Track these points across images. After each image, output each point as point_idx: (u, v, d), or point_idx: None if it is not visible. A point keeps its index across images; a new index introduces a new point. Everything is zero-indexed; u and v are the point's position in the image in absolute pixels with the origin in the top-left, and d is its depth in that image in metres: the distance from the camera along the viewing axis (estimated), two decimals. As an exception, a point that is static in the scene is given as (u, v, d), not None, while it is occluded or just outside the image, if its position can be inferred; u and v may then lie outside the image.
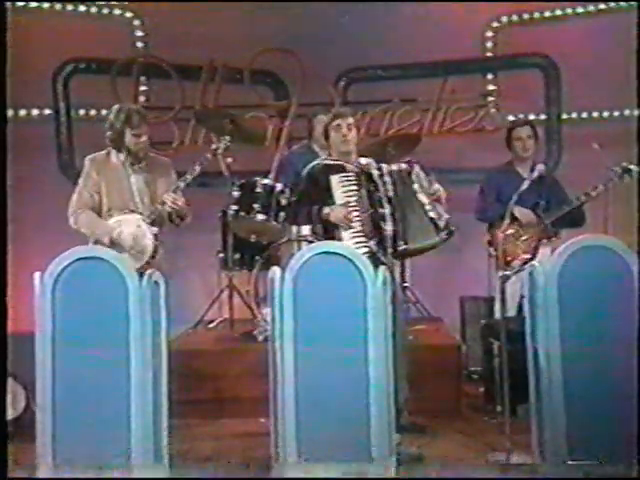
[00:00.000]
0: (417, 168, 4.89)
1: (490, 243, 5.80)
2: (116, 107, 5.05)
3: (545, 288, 4.20)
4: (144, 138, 4.98)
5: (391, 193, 4.79)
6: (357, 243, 4.72)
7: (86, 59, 7.48)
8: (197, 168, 5.01)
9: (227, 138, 5.34)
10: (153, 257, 4.89)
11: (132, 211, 4.95)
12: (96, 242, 4.90)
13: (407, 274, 6.31)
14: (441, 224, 4.82)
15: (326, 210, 4.83)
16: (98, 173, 5.01)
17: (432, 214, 4.83)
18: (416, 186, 4.85)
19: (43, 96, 7.43)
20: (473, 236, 5.96)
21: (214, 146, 5.29)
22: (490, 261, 5.83)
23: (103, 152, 5.08)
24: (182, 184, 4.96)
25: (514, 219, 5.59)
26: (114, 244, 4.86)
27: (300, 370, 4.15)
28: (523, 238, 5.65)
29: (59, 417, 4.14)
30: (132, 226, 4.91)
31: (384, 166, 4.88)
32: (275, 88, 7.59)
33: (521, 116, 7.25)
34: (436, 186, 4.91)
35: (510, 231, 5.60)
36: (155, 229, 4.93)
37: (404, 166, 4.90)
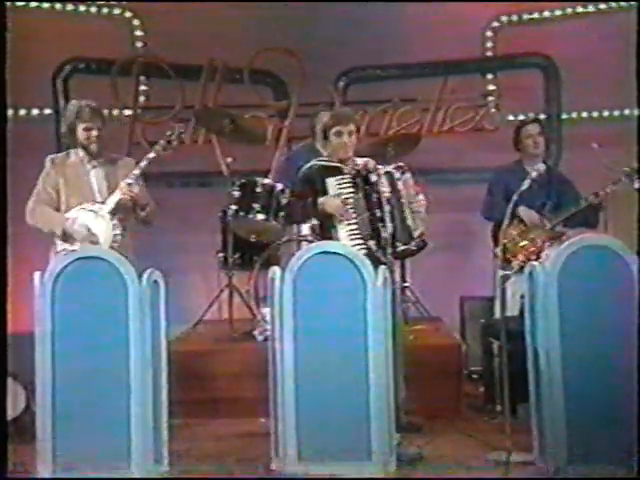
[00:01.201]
0: (408, 175, 4.90)
1: (495, 243, 5.80)
2: (71, 103, 5.10)
3: (545, 288, 4.20)
4: (95, 132, 4.96)
5: (387, 194, 4.79)
6: (355, 244, 4.71)
7: (86, 59, 7.48)
8: (150, 155, 5.00)
9: (181, 125, 5.32)
10: (111, 247, 4.80)
11: (92, 202, 4.93)
12: (62, 235, 4.89)
13: (407, 274, 6.31)
14: (415, 234, 4.83)
15: (321, 200, 4.82)
16: (57, 171, 5.01)
17: (409, 222, 4.84)
18: (403, 192, 4.86)
19: (43, 96, 7.43)
20: (472, 236, 5.97)
21: (168, 132, 5.18)
22: (495, 261, 5.83)
23: (63, 153, 5.10)
24: (137, 171, 4.93)
25: (519, 220, 5.59)
26: (67, 235, 4.85)
27: (300, 370, 4.16)
28: (528, 238, 5.64)
29: (59, 417, 4.15)
30: (88, 216, 4.88)
31: (380, 167, 4.89)
32: (275, 88, 7.59)
33: (521, 116, 7.24)
34: (420, 197, 4.91)
35: (515, 231, 5.60)
36: (114, 220, 4.88)
37: (394, 170, 4.91)
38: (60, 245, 4.89)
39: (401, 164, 4.96)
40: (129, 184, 4.89)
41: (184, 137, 7.26)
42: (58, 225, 4.88)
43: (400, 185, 4.85)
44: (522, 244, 5.59)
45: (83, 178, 4.99)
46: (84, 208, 4.90)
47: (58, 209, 4.97)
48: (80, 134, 4.96)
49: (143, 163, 4.97)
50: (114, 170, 5.02)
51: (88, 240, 4.82)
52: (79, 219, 4.88)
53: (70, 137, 5.02)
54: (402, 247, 4.79)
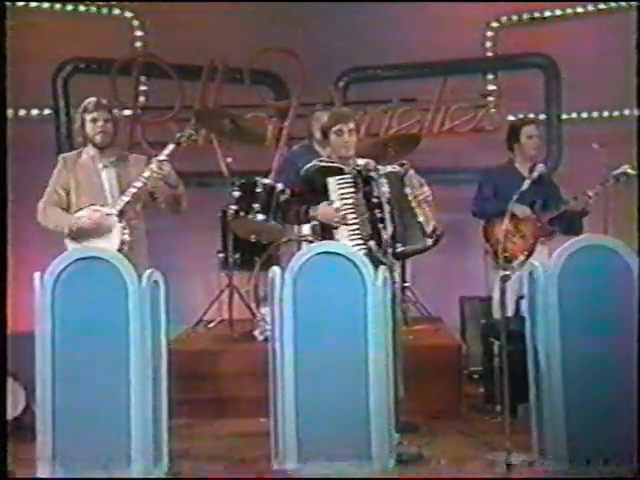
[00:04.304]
0: (411, 171, 4.89)
1: (486, 239, 5.81)
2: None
3: (545, 288, 4.20)
4: (100, 123, 4.96)
5: (388, 194, 4.79)
6: (355, 244, 4.71)
7: (86, 59, 7.48)
8: (171, 146, 4.93)
9: (193, 127, 5.28)
10: (121, 249, 4.76)
11: (101, 205, 4.90)
12: (70, 233, 4.87)
13: (407, 274, 6.31)
14: (428, 229, 4.83)
15: (313, 211, 4.83)
16: (68, 171, 5.01)
17: (420, 218, 4.83)
18: (408, 189, 4.85)
19: (43, 96, 7.43)
20: (473, 236, 5.96)
21: (178, 135, 5.05)
22: (486, 259, 5.84)
23: (75, 151, 5.10)
24: (162, 157, 4.87)
25: (512, 216, 5.61)
26: (74, 233, 4.83)
27: (300, 370, 4.16)
28: (520, 235, 5.65)
29: (59, 417, 4.15)
30: (95, 214, 4.85)
31: (381, 167, 4.89)
32: (275, 88, 7.59)
33: (521, 116, 7.24)
34: (425, 188, 4.89)
35: (508, 227, 5.61)
36: (124, 225, 4.83)
37: (398, 168, 4.90)
38: (70, 245, 4.86)
39: (403, 161, 4.95)
40: (160, 161, 4.83)
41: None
42: (65, 224, 4.87)
43: (406, 183, 4.85)
44: (514, 240, 5.59)
45: (94, 178, 4.98)
46: (94, 209, 4.87)
47: (68, 209, 4.97)
48: (88, 127, 4.97)
49: (168, 150, 4.90)
50: (125, 169, 5.00)
51: (96, 236, 4.80)
52: (86, 217, 4.85)
53: (80, 133, 5.02)
54: (415, 246, 4.79)
